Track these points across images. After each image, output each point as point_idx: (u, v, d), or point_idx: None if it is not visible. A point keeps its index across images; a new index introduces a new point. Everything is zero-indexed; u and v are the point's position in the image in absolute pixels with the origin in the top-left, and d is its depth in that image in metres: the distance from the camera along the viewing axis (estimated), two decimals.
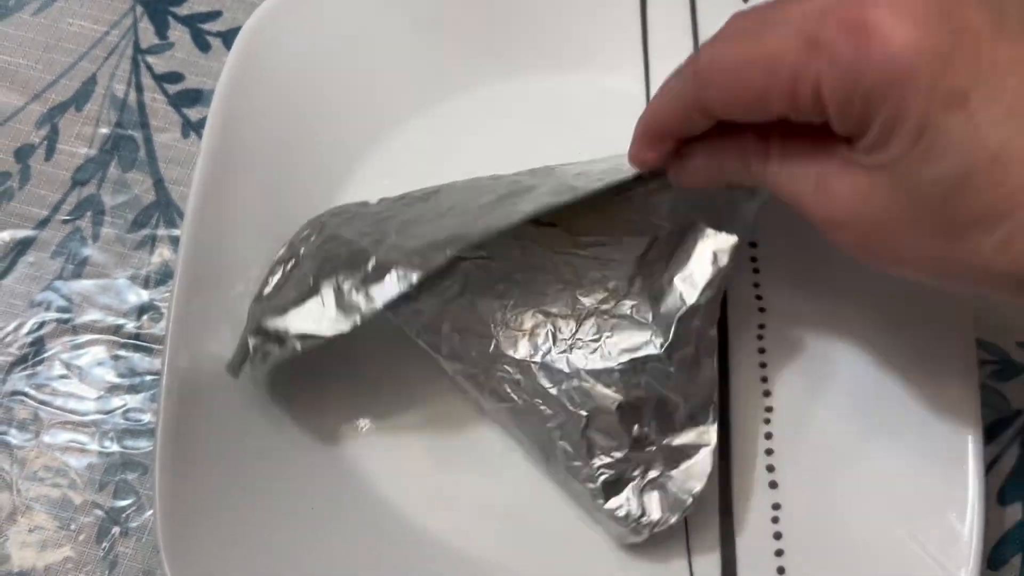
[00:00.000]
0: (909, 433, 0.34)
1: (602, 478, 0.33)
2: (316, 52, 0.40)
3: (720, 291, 0.33)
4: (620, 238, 0.34)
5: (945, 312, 0.35)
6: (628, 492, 0.33)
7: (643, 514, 0.33)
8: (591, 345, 0.33)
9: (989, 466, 0.36)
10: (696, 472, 0.33)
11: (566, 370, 0.33)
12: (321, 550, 0.34)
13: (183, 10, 0.45)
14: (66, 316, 0.39)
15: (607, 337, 0.33)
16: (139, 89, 0.43)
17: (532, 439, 0.34)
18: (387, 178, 0.39)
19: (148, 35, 0.44)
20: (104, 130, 0.42)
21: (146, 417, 0.37)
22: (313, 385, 0.36)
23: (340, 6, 0.41)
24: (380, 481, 0.35)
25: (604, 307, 0.33)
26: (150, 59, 0.44)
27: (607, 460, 0.33)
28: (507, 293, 0.34)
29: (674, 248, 0.33)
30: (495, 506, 0.35)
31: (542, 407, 0.33)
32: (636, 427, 0.33)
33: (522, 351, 0.34)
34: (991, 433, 0.37)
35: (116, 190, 0.41)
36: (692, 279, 0.32)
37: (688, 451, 0.33)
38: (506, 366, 0.34)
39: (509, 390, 0.34)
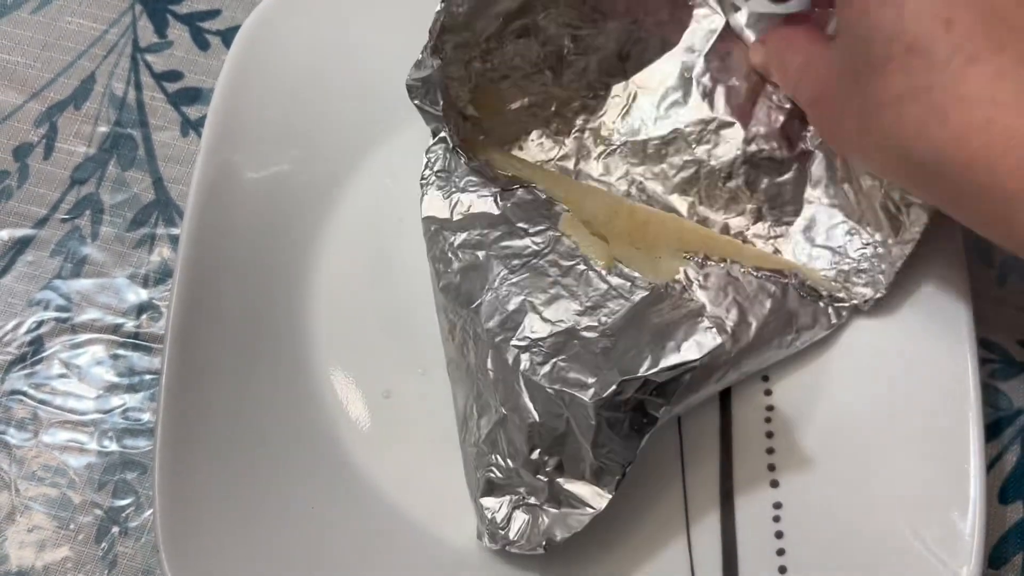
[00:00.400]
0: (910, 432, 0.34)
1: (489, 475, 0.33)
2: (316, 50, 0.40)
3: (683, 381, 0.31)
4: (648, 282, 0.33)
5: (946, 311, 0.35)
6: (503, 500, 0.33)
7: (505, 527, 0.32)
8: (544, 357, 0.32)
9: (990, 465, 0.36)
10: (567, 523, 0.32)
11: (509, 364, 0.33)
12: (320, 549, 0.34)
13: (182, 8, 0.45)
14: (65, 315, 0.39)
15: (561, 360, 0.32)
16: (138, 87, 0.43)
17: (461, 404, 0.35)
18: (388, 177, 0.39)
19: (147, 33, 0.44)
20: (103, 128, 0.42)
21: (145, 416, 0.37)
22: (313, 384, 0.36)
23: (339, 5, 0.41)
24: (380, 480, 0.35)
25: (583, 334, 0.33)
26: (149, 57, 0.44)
27: (500, 463, 0.33)
28: (518, 269, 0.34)
29: (670, 319, 0.32)
30: None
31: (479, 381, 0.34)
32: (537, 452, 0.32)
33: (490, 324, 0.33)
34: (992, 432, 0.37)
35: (115, 189, 0.41)
36: (659, 354, 0.30)
37: (573, 501, 0.32)
38: (475, 328, 0.34)
39: (466, 351, 0.34)
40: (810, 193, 0.37)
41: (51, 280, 0.40)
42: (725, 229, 0.38)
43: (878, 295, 0.36)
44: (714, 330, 0.30)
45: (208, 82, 0.43)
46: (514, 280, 0.34)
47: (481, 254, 0.35)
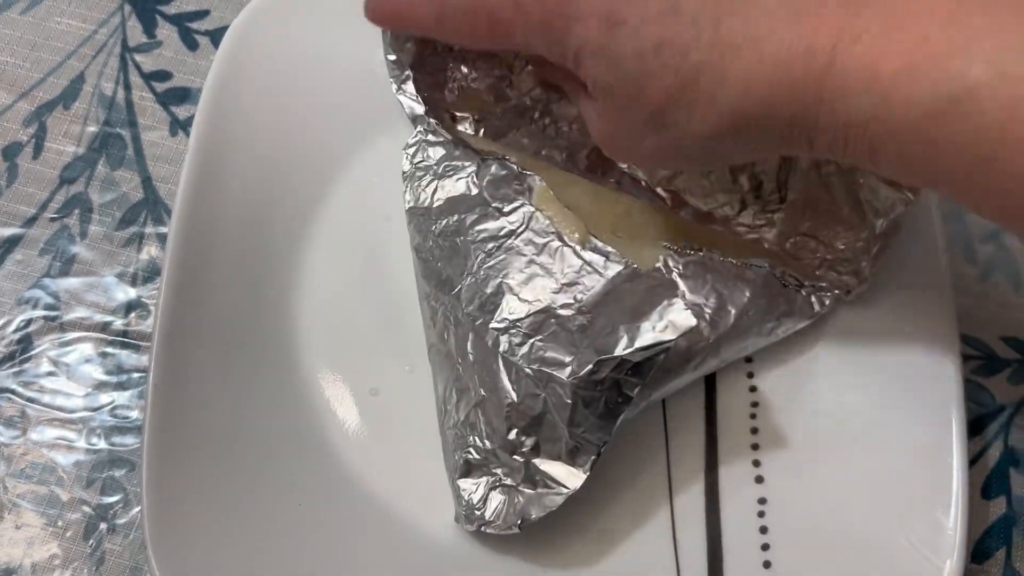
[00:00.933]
0: (894, 427, 0.34)
1: (466, 456, 0.33)
2: (304, 50, 0.40)
3: (657, 361, 0.31)
4: (623, 259, 0.33)
5: (929, 308, 0.35)
6: (480, 481, 0.33)
7: (481, 508, 0.33)
8: (523, 337, 0.33)
9: (974, 460, 0.36)
10: (543, 503, 0.32)
11: (489, 345, 0.33)
12: (308, 546, 0.34)
13: (171, 9, 0.45)
14: (54, 313, 0.39)
15: (539, 340, 0.32)
16: (127, 87, 0.43)
17: (441, 389, 0.35)
18: (376, 176, 0.40)
19: (136, 33, 0.44)
20: (92, 128, 0.42)
21: (133, 414, 0.37)
22: (301, 382, 0.37)
23: (326, 5, 0.41)
24: (367, 477, 0.35)
25: (559, 312, 0.33)
26: (138, 57, 0.44)
27: (478, 444, 0.33)
28: (494, 252, 0.34)
29: (644, 297, 0.32)
30: None
31: (458, 365, 0.34)
32: (515, 432, 0.32)
33: (470, 308, 0.34)
34: (975, 427, 0.37)
35: (104, 188, 0.41)
36: (634, 334, 0.31)
37: (548, 482, 0.32)
38: (456, 313, 0.34)
39: (447, 336, 0.34)
40: (794, 182, 0.37)
41: (40, 279, 0.40)
42: (709, 218, 0.38)
43: (861, 287, 0.36)
44: (689, 311, 0.31)
45: (197, 82, 0.43)
46: (491, 263, 0.34)
47: (460, 240, 0.35)
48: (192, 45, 0.44)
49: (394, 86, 0.39)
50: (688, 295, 0.35)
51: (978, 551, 0.36)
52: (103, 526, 0.36)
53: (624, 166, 0.39)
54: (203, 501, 0.33)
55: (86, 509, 0.36)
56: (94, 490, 0.36)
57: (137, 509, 0.36)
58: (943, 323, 0.35)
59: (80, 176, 0.42)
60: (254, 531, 0.34)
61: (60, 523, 0.36)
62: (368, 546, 0.34)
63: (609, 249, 0.34)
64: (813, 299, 0.36)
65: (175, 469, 0.33)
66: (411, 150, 0.38)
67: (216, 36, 0.44)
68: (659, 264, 0.36)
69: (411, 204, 0.37)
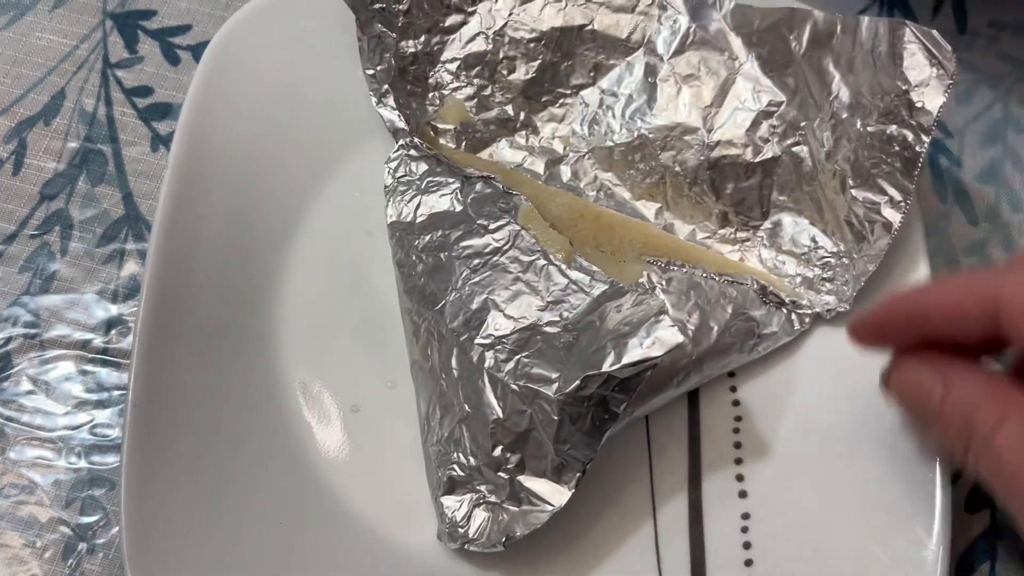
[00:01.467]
0: (877, 442, 0.34)
1: (450, 473, 0.33)
2: (285, 66, 0.40)
3: (644, 377, 0.31)
4: (608, 279, 0.33)
5: None
6: (464, 498, 0.33)
7: (465, 525, 0.33)
8: (508, 354, 0.33)
9: (957, 474, 0.36)
10: (527, 520, 0.32)
11: (474, 361, 0.33)
12: (290, 565, 0.33)
13: (153, 24, 0.45)
14: (33, 331, 0.39)
15: (525, 356, 0.32)
16: (108, 103, 0.43)
17: (424, 406, 0.35)
18: (357, 191, 0.40)
19: (117, 49, 0.44)
20: (73, 144, 0.42)
21: (114, 432, 0.37)
22: (282, 399, 0.36)
23: (309, 20, 0.41)
24: (350, 494, 0.35)
25: (545, 329, 0.33)
26: (119, 73, 0.44)
27: (462, 460, 0.33)
28: (480, 268, 0.34)
29: (631, 315, 0.32)
30: None
31: (442, 380, 0.34)
32: (500, 449, 0.32)
33: (454, 324, 0.34)
34: None
35: (85, 204, 0.41)
36: (621, 350, 0.31)
37: (533, 499, 0.32)
38: (439, 328, 0.34)
39: (430, 352, 0.34)
40: (776, 198, 0.37)
41: (19, 296, 0.39)
42: (692, 234, 0.38)
43: (841, 308, 0.36)
44: (676, 327, 0.31)
45: (179, 97, 0.43)
46: (476, 279, 0.34)
47: (444, 255, 0.35)
48: (174, 60, 0.44)
49: (374, 99, 0.39)
50: (671, 311, 0.35)
51: (963, 565, 0.35)
52: (82, 546, 0.36)
53: (606, 176, 0.39)
54: (183, 520, 0.33)
55: (65, 529, 0.36)
56: (73, 510, 0.36)
57: (116, 529, 0.36)
58: None
59: (61, 192, 0.41)
60: (235, 550, 0.33)
61: (39, 543, 0.36)
62: (350, 564, 0.34)
63: (594, 268, 0.34)
64: (794, 317, 0.36)
65: (154, 488, 0.33)
66: (393, 164, 0.38)
67: (198, 51, 0.44)
68: (642, 279, 0.36)
69: (393, 218, 0.37)
